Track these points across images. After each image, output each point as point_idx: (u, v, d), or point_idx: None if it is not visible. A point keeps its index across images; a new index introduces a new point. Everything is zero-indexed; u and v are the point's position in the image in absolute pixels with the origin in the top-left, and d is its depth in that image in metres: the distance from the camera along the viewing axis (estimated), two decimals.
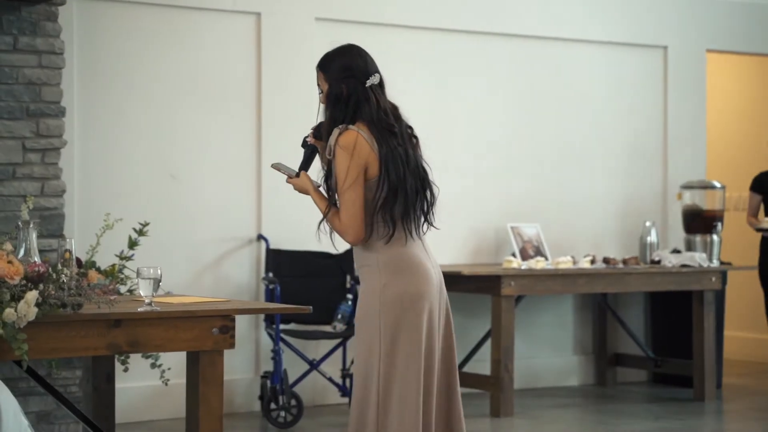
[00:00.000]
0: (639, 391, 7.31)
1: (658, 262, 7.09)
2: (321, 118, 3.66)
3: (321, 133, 3.65)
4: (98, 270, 5.31)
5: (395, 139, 3.56)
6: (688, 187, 7.51)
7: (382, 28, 6.88)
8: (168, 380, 5.06)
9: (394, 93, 3.70)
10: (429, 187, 3.65)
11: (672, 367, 7.38)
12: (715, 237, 7.33)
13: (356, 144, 3.50)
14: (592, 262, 6.87)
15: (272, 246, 6.55)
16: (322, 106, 3.64)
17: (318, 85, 3.66)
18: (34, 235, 3.48)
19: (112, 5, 6.23)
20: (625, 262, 6.96)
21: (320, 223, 3.63)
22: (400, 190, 3.54)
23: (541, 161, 7.50)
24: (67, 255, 3.53)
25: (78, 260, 4.94)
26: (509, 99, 7.46)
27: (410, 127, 3.67)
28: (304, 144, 3.71)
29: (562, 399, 7.05)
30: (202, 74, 6.48)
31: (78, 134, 6.08)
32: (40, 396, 5.35)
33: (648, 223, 7.25)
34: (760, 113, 9.05)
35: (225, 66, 6.54)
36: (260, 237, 6.58)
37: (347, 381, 6.48)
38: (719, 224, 7.37)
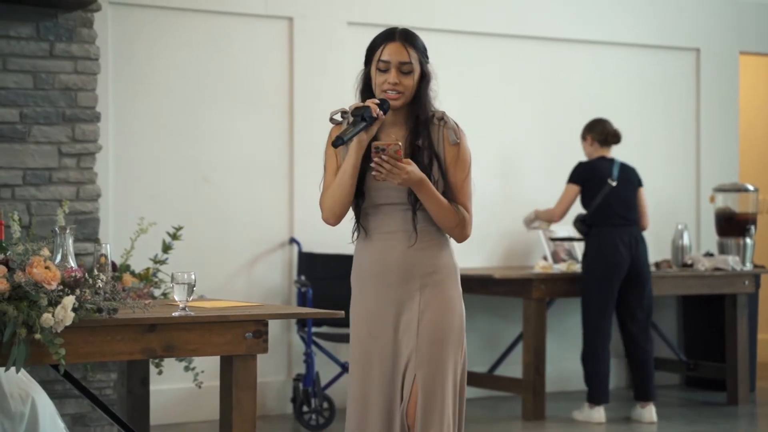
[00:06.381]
0: (672, 395, 7.28)
1: (691, 265, 7.06)
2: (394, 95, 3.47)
3: (384, 109, 3.42)
4: (133, 273, 5.37)
5: None
6: (720, 189, 7.47)
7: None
8: (201, 383, 5.12)
9: None
10: None
11: (705, 370, 7.34)
12: (748, 240, 7.29)
13: None
14: None
15: (304, 249, 6.58)
16: (407, 81, 3.45)
17: (400, 62, 3.46)
18: (70, 241, 3.51)
19: (146, 11, 6.28)
20: (657, 265, 6.94)
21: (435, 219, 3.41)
22: None
23: (572, 164, 7.47)
24: (102, 260, 3.57)
25: (113, 264, 5.00)
26: (540, 101, 7.46)
27: None
28: (366, 117, 3.35)
29: None
30: (235, 78, 6.52)
31: (113, 139, 6.14)
32: (75, 399, 5.41)
33: (680, 226, 7.21)
34: None
35: (257, 70, 6.58)
36: (292, 240, 6.61)
37: None
38: (752, 227, 7.33)
